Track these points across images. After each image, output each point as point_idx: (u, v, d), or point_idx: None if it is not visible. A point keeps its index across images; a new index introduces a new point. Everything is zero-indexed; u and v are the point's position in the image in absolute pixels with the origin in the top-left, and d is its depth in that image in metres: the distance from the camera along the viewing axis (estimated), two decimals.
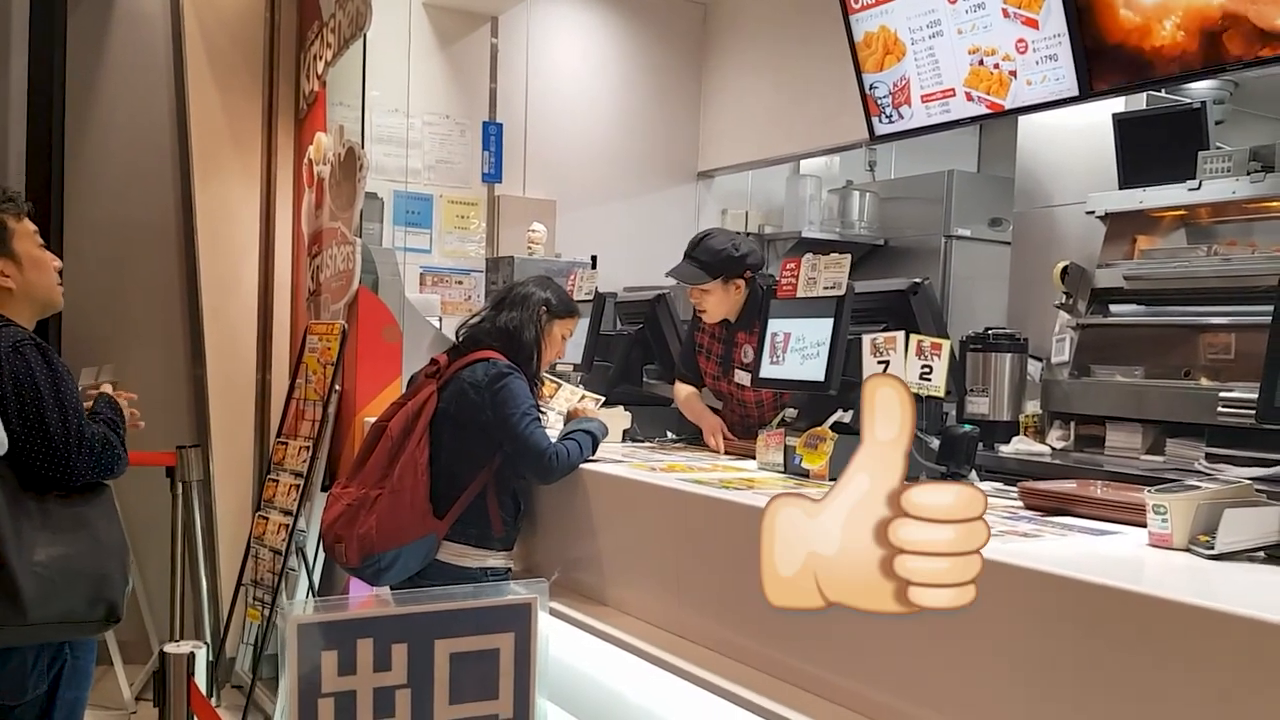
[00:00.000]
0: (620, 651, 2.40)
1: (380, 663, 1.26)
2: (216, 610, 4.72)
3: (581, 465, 2.80)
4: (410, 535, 2.73)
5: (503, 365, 2.83)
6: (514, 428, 2.74)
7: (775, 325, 2.81)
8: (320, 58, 4.58)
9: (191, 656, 2.16)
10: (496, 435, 2.78)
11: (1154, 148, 3.58)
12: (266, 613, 4.18)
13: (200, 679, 2.18)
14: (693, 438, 3.46)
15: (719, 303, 3.23)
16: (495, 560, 2.85)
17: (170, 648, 2.20)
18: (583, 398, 3.29)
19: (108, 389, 2.58)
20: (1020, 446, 3.31)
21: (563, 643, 2.32)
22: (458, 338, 3.02)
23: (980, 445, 2.59)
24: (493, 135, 5.68)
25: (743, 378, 3.22)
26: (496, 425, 2.77)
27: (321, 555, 4.12)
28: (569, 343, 3.73)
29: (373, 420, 2.99)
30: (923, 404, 2.54)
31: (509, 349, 2.88)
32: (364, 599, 2.83)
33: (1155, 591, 1.44)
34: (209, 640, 4.61)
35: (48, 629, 2.31)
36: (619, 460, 2.87)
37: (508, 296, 3.01)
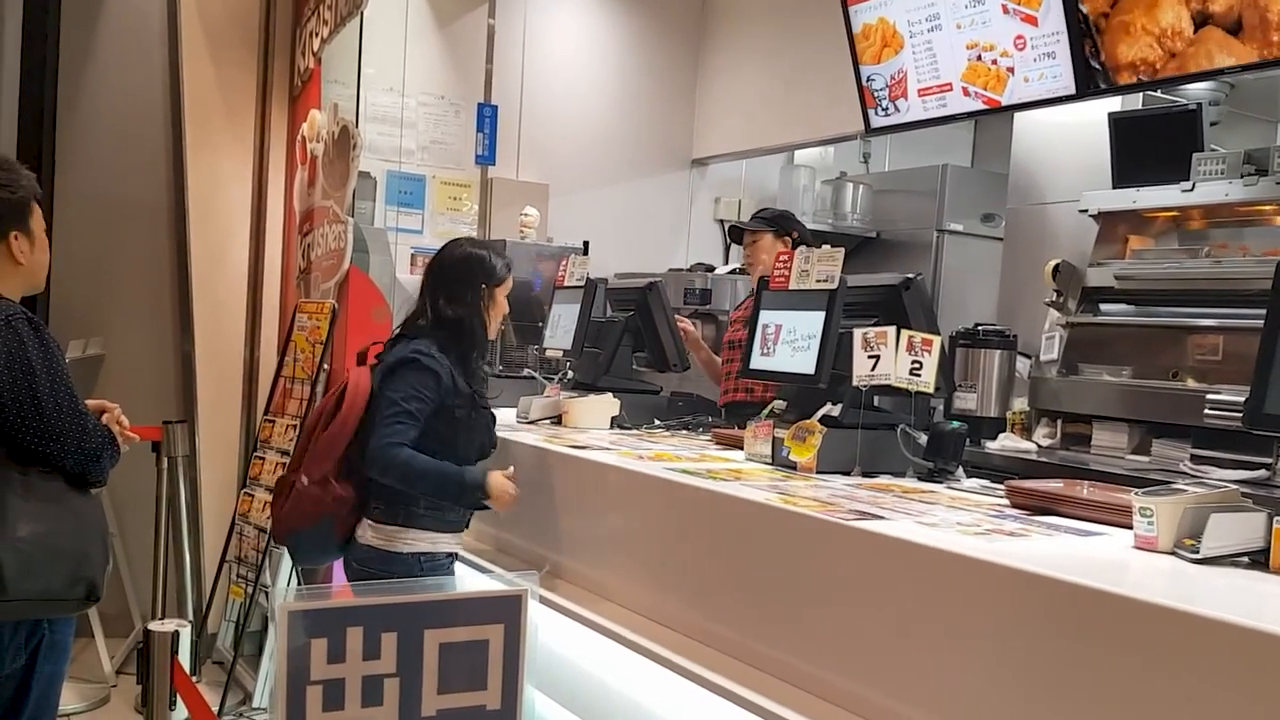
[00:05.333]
0: (603, 639, 2.41)
1: (369, 651, 1.26)
2: (199, 586, 4.71)
3: (568, 451, 2.80)
4: (309, 519, 2.68)
5: (419, 346, 2.67)
6: (381, 410, 2.60)
7: (767, 317, 2.82)
8: (316, 34, 4.55)
9: (176, 635, 2.16)
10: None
11: (1149, 148, 3.58)
12: (249, 590, 4.17)
13: (184, 658, 2.18)
14: (681, 425, 3.47)
15: (768, 251, 3.70)
16: (428, 544, 2.68)
17: (154, 626, 2.20)
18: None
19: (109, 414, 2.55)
20: (1007, 443, 3.32)
21: (546, 628, 2.32)
22: (399, 328, 2.87)
23: (967, 441, 2.60)
24: (487, 117, 5.65)
25: None
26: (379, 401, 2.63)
27: None
28: (560, 329, 3.74)
29: None
30: (912, 399, 2.56)
31: (455, 341, 2.72)
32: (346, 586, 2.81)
33: (1140, 595, 1.45)
34: (191, 616, 4.60)
35: (26, 606, 2.29)
36: (607, 448, 2.87)
37: (443, 277, 2.79)
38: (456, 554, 2.82)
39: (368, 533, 2.69)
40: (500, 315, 2.88)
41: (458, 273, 2.79)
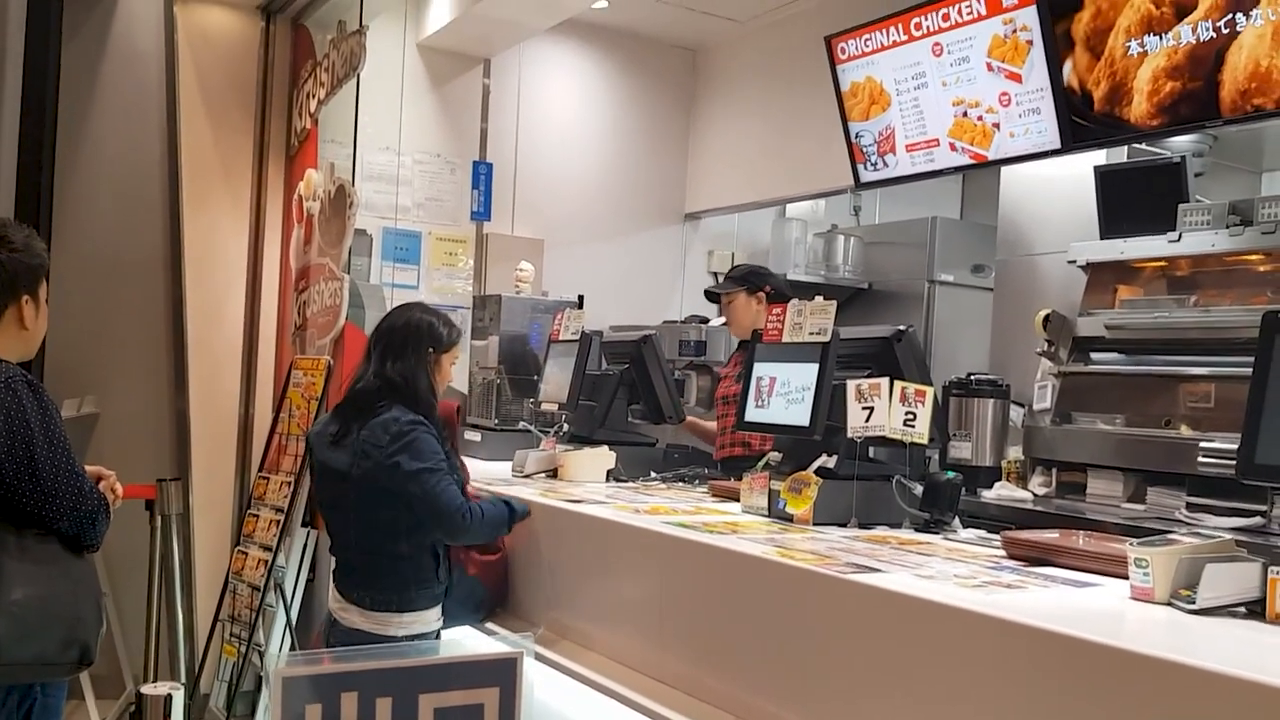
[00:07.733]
0: (599, 695, 2.39)
1: (364, 716, 1.25)
2: (192, 646, 4.67)
3: (564, 506, 2.80)
4: None
5: (393, 417, 2.66)
6: (419, 478, 2.59)
7: (761, 369, 2.83)
8: (313, 96, 4.61)
9: (169, 699, 2.14)
10: (406, 489, 2.61)
11: (1135, 199, 3.63)
12: (243, 649, 4.14)
13: None
14: (677, 478, 3.47)
15: (743, 310, 3.82)
16: (421, 625, 2.68)
17: (147, 689, 2.18)
18: None
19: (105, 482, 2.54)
20: (1002, 492, 3.32)
21: (542, 685, 2.30)
22: (345, 395, 2.84)
23: (963, 491, 2.60)
24: (482, 174, 5.71)
25: None
26: (405, 479, 2.60)
27: (300, 592, 4.09)
28: (555, 384, 3.75)
29: None
30: (907, 450, 2.56)
31: (407, 401, 2.71)
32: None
33: (1137, 647, 1.45)
34: (184, 677, 4.55)
35: (19, 670, 2.28)
36: (602, 501, 2.87)
37: (390, 340, 2.79)
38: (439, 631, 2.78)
39: (354, 616, 2.67)
40: (445, 382, 2.86)
41: (402, 337, 2.78)
